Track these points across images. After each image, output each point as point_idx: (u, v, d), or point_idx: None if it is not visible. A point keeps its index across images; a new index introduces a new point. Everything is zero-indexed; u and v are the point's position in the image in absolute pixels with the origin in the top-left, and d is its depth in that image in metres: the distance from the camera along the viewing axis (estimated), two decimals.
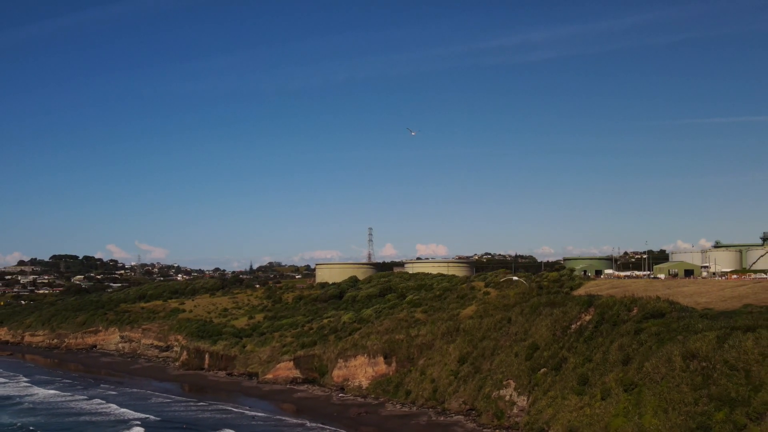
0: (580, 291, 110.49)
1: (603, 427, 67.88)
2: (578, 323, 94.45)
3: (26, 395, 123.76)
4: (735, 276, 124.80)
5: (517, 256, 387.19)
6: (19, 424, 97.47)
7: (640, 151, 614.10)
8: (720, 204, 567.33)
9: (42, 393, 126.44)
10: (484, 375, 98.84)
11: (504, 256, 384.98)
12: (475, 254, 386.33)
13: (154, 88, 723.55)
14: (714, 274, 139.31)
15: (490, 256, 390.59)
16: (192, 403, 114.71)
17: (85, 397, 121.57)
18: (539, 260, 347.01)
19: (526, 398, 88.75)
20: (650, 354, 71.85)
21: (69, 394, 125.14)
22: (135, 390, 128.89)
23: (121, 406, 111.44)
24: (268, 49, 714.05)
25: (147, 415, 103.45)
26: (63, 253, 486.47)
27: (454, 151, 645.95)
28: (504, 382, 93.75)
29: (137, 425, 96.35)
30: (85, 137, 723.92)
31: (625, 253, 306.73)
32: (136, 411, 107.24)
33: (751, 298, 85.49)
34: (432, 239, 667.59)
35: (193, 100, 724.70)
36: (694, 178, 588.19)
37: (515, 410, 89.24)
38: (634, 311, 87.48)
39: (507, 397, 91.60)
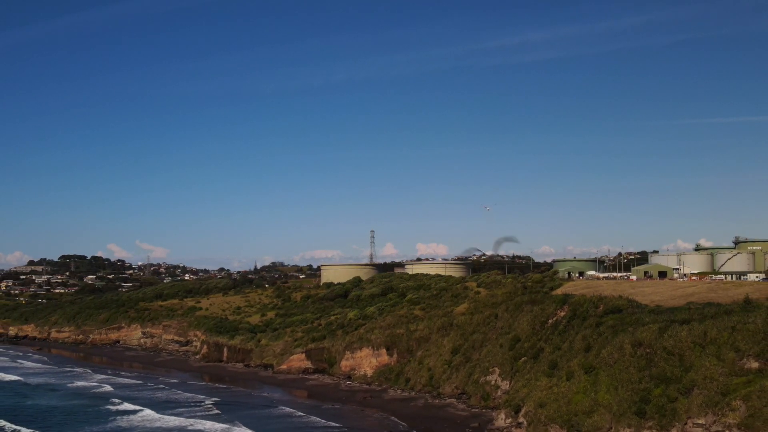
0: (559, 291, 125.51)
1: (566, 403, 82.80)
2: (554, 318, 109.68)
3: (101, 383, 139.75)
4: (694, 277, 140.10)
5: (514, 257, 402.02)
6: (123, 404, 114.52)
7: (640, 151, 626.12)
8: (720, 204, 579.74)
9: (111, 380, 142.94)
10: (474, 364, 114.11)
11: (502, 257, 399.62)
12: (474, 255, 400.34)
13: (154, 88, 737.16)
14: (684, 275, 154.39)
15: (488, 257, 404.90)
16: (221, 389, 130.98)
17: (151, 384, 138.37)
18: (538, 260, 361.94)
19: (508, 383, 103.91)
20: (606, 342, 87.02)
21: (133, 381, 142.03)
22: (177, 380, 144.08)
23: (185, 390, 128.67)
24: (268, 49, 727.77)
25: (209, 397, 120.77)
26: (65, 252, 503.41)
27: (454, 151, 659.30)
28: (490, 370, 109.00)
29: (209, 403, 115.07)
30: (86, 137, 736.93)
31: (619, 254, 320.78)
32: (196, 393, 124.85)
33: (695, 296, 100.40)
34: (433, 239, 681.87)
35: (193, 100, 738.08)
36: (693, 178, 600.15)
37: (499, 393, 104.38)
38: (600, 308, 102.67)
39: (492, 382, 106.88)
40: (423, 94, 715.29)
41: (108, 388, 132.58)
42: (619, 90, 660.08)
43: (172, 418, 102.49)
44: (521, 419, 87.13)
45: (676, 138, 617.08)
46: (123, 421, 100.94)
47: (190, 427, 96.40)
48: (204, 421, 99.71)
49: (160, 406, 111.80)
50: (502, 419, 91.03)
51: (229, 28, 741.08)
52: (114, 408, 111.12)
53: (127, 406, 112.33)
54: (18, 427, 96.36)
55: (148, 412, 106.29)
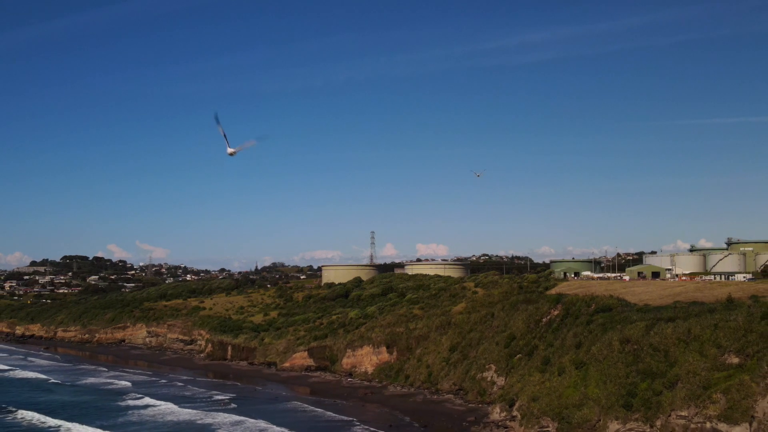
0: (553, 291, 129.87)
1: (558, 396, 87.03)
2: (548, 317, 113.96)
3: (117, 380, 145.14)
4: (685, 278, 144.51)
5: (513, 257, 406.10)
6: (144, 398, 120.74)
7: (640, 151, 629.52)
8: (719, 204, 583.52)
9: (126, 377, 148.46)
10: (471, 361, 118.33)
11: (501, 258, 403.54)
12: (474, 255, 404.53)
13: (154, 89, 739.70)
14: (676, 276, 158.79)
15: (487, 257, 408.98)
16: (228, 386, 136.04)
17: (164, 380, 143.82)
18: (537, 261, 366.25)
19: (504, 379, 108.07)
20: (596, 339, 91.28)
21: (147, 378, 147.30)
22: (186, 377, 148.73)
23: (196, 386, 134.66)
24: (268, 49, 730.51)
25: (220, 392, 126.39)
26: (64, 252, 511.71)
27: (454, 151, 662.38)
28: (486, 366, 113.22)
29: (221, 397, 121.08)
30: (86, 137, 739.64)
31: (618, 255, 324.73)
32: (206, 389, 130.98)
33: (682, 296, 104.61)
34: (433, 239, 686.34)
35: (193, 101, 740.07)
36: (693, 178, 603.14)
37: (495, 389, 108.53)
38: (592, 307, 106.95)
39: (489, 378, 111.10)
40: (423, 95, 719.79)
41: (126, 383, 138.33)
42: (618, 90, 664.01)
43: (191, 410, 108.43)
44: (515, 413, 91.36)
45: (678, 138, 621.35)
46: (147, 412, 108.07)
47: (209, 419, 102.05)
48: (220, 414, 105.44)
49: (178, 400, 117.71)
50: (497, 413, 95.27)
51: (229, 28, 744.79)
52: (136, 402, 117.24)
53: (148, 400, 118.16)
54: (47, 418, 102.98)
55: (168, 405, 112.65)
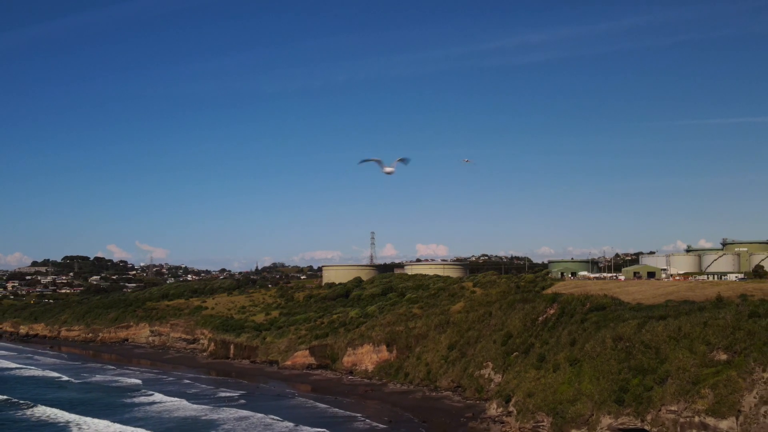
0: (550, 290, 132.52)
1: (552, 392, 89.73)
2: (544, 316, 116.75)
3: (127, 377, 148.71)
4: (678, 277, 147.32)
5: (512, 258, 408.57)
6: (155, 395, 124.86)
7: (640, 152, 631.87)
8: (719, 204, 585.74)
9: (135, 375, 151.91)
10: (469, 359, 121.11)
11: (500, 258, 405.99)
12: (473, 255, 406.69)
13: (154, 89, 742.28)
14: (670, 275, 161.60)
15: (486, 258, 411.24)
16: (232, 383, 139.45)
17: (172, 378, 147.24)
18: (537, 261, 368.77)
19: (500, 376, 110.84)
20: (590, 337, 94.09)
21: (155, 376, 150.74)
22: (191, 374, 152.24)
23: (203, 383, 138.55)
24: (268, 50, 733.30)
25: (226, 389, 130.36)
26: (64, 253, 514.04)
27: (454, 151, 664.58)
28: (484, 364, 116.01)
29: (228, 394, 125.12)
30: (86, 138, 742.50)
31: (616, 255, 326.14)
32: (213, 386, 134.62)
33: (674, 295, 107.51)
34: (433, 239, 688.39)
35: (193, 101, 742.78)
36: (694, 179, 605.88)
37: (492, 385, 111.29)
38: (587, 306, 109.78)
39: (486, 376, 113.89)
40: (422, 95, 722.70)
41: (136, 381, 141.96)
42: (618, 91, 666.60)
43: (202, 406, 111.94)
44: (511, 408, 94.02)
45: (677, 138, 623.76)
46: (160, 407, 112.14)
47: (220, 414, 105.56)
48: (228, 408, 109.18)
49: (187, 396, 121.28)
50: (494, 408, 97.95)
51: (229, 29, 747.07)
52: (147, 398, 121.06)
53: (159, 396, 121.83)
54: (64, 413, 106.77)
55: (179, 401, 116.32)
